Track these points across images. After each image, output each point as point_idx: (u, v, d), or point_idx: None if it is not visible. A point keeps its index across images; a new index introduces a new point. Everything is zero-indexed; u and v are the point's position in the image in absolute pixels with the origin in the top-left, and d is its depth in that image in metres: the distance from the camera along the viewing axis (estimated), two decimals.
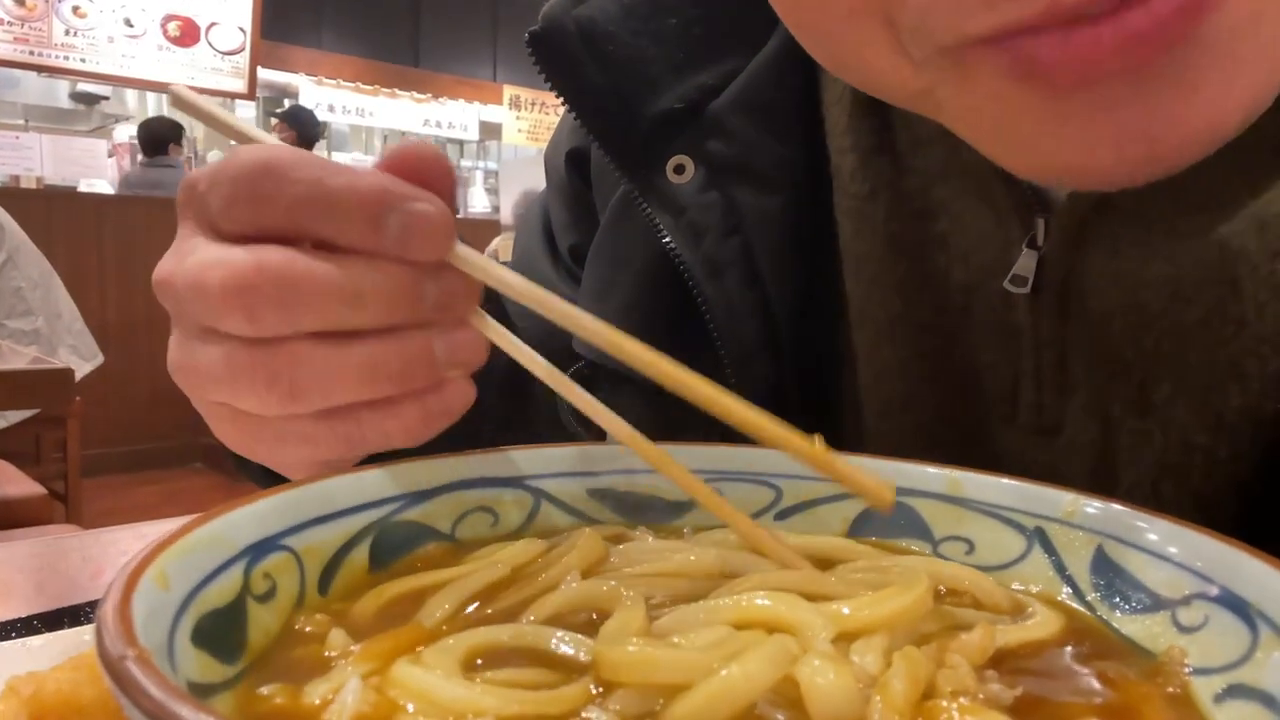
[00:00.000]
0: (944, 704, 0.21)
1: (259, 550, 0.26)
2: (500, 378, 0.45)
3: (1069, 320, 0.40)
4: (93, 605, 0.44)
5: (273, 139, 0.34)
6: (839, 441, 0.49)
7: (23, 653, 0.37)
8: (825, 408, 0.49)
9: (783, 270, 0.47)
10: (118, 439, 3.47)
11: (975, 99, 0.29)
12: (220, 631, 0.23)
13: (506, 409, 0.51)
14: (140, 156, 4.57)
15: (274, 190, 0.29)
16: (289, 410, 0.31)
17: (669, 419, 0.51)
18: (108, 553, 0.62)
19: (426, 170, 0.31)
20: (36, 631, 0.40)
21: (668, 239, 0.46)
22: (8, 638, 0.39)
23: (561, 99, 0.48)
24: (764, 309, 0.46)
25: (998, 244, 0.42)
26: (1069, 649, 0.26)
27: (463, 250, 0.32)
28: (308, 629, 0.25)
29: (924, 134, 0.44)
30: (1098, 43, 0.25)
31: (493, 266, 0.32)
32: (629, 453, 0.37)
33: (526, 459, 0.36)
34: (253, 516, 0.26)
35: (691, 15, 0.49)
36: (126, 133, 5.22)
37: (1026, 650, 0.26)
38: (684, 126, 0.47)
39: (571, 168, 0.59)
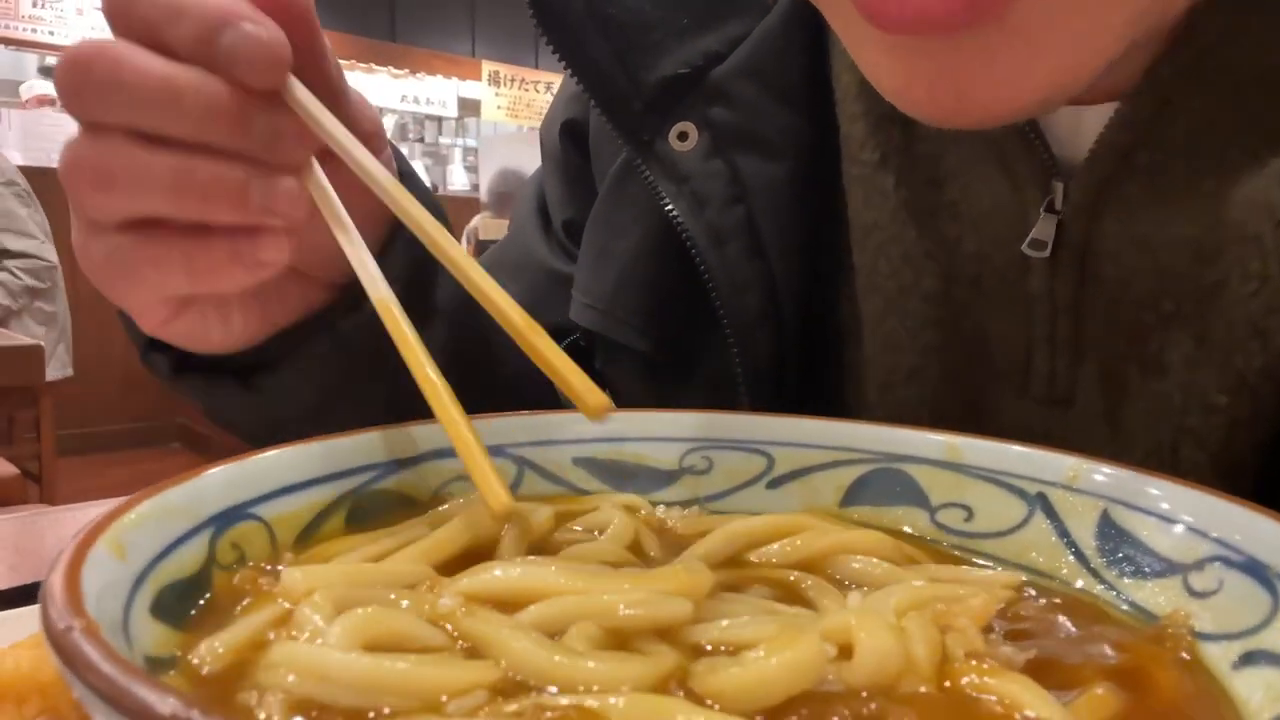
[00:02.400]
0: (959, 666, 0.20)
1: (225, 519, 0.25)
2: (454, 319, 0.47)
3: (1085, 285, 0.40)
4: None
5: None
6: (840, 412, 0.48)
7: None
8: (826, 377, 0.48)
9: (786, 240, 0.46)
10: (93, 419, 3.42)
11: (838, 18, 0.34)
12: (181, 604, 0.21)
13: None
14: None
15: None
16: (105, 203, 0.32)
17: (664, 388, 0.50)
18: (77, 523, 0.60)
19: (288, 9, 0.33)
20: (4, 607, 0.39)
21: (670, 207, 0.45)
22: None
23: (563, 63, 0.47)
24: (767, 278, 0.46)
25: (1013, 210, 0.41)
26: (1065, 619, 0.25)
27: (302, 95, 0.33)
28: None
29: None
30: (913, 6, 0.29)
31: (328, 119, 0.33)
32: (615, 420, 0.36)
33: (509, 426, 0.34)
34: (219, 483, 0.25)
35: None
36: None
37: (1023, 617, 0.25)
38: (687, 93, 0.46)
39: (567, 140, 0.58)
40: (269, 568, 0.25)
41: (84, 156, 0.32)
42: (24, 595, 0.41)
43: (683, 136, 0.46)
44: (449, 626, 0.22)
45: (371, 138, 0.38)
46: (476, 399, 0.55)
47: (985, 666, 0.20)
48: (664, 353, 0.50)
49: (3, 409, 2.75)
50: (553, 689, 0.19)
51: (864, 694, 0.19)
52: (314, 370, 0.42)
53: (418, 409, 0.40)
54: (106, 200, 0.32)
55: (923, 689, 0.20)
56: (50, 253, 2.90)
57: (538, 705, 0.17)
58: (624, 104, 0.46)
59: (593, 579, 0.23)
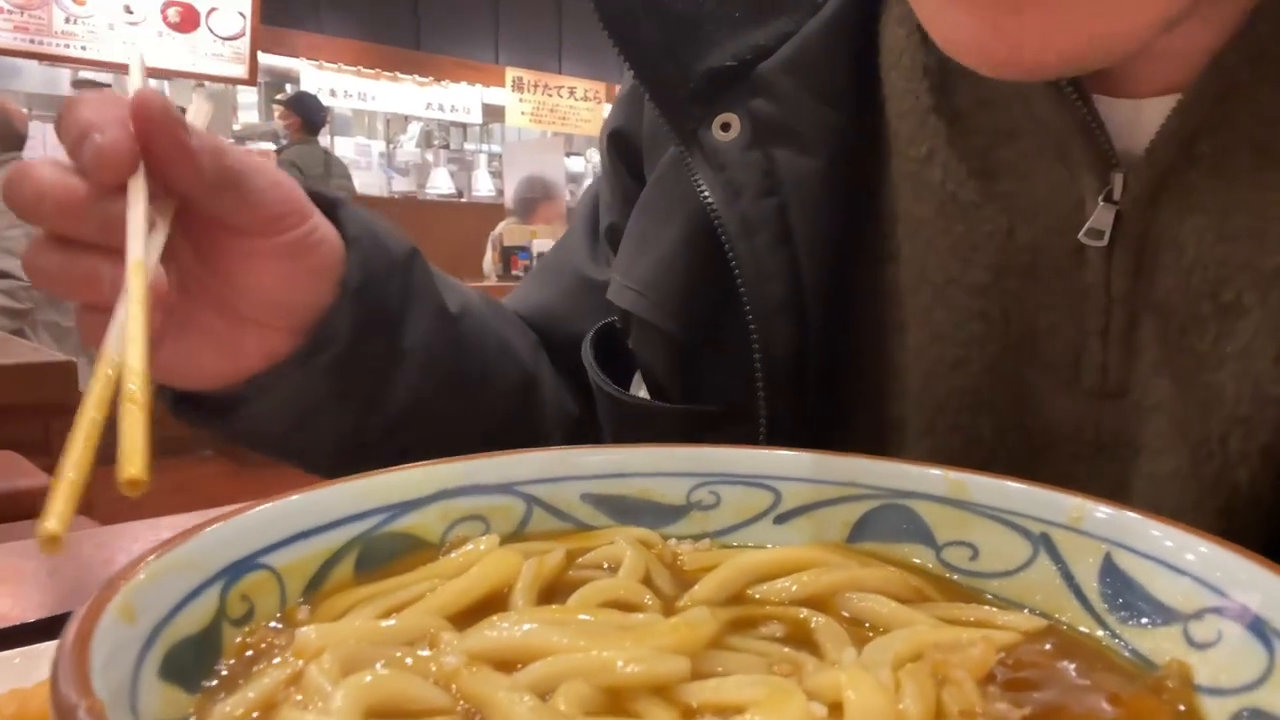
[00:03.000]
0: None
1: (235, 570, 0.25)
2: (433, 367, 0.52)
3: (1142, 276, 0.40)
4: None
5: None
6: (870, 404, 0.47)
7: (10, 667, 0.36)
8: (852, 373, 0.49)
9: (816, 233, 0.47)
10: None
11: None
12: (192, 661, 0.22)
13: (451, 355, 0.54)
14: None
15: (61, 117, 0.39)
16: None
17: (691, 370, 0.51)
18: (121, 542, 0.62)
19: (147, 119, 0.38)
20: (34, 639, 0.40)
21: (707, 194, 0.47)
22: (6, 647, 0.39)
23: (619, 52, 0.49)
24: (793, 269, 0.46)
25: (1070, 201, 0.41)
26: (1067, 663, 0.25)
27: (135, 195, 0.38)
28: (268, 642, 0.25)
29: (989, 94, 0.44)
30: None
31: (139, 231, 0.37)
32: (621, 455, 0.37)
33: (516, 464, 0.35)
34: (227, 536, 0.25)
35: None
36: None
37: (1025, 664, 0.25)
38: (733, 84, 0.47)
39: (613, 148, 0.60)
40: (278, 625, 0.25)
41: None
42: (57, 625, 0.42)
43: (725, 127, 0.47)
44: (453, 686, 0.22)
45: (284, 217, 0.44)
46: (466, 430, 0.58)
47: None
48: (694, 336, 0.51)
49: (38, 421, 2.80)
50: None
51: None
52: (280, 406, 0.48)
53: (387, 429, 0.45)
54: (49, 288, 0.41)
55: None
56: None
57: None
58: (672, 92, 0.48)
59: (593, 636, 0.24)
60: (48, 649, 0.38)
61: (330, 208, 0.49)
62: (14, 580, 0.56)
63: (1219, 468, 0.39)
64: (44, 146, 4.21)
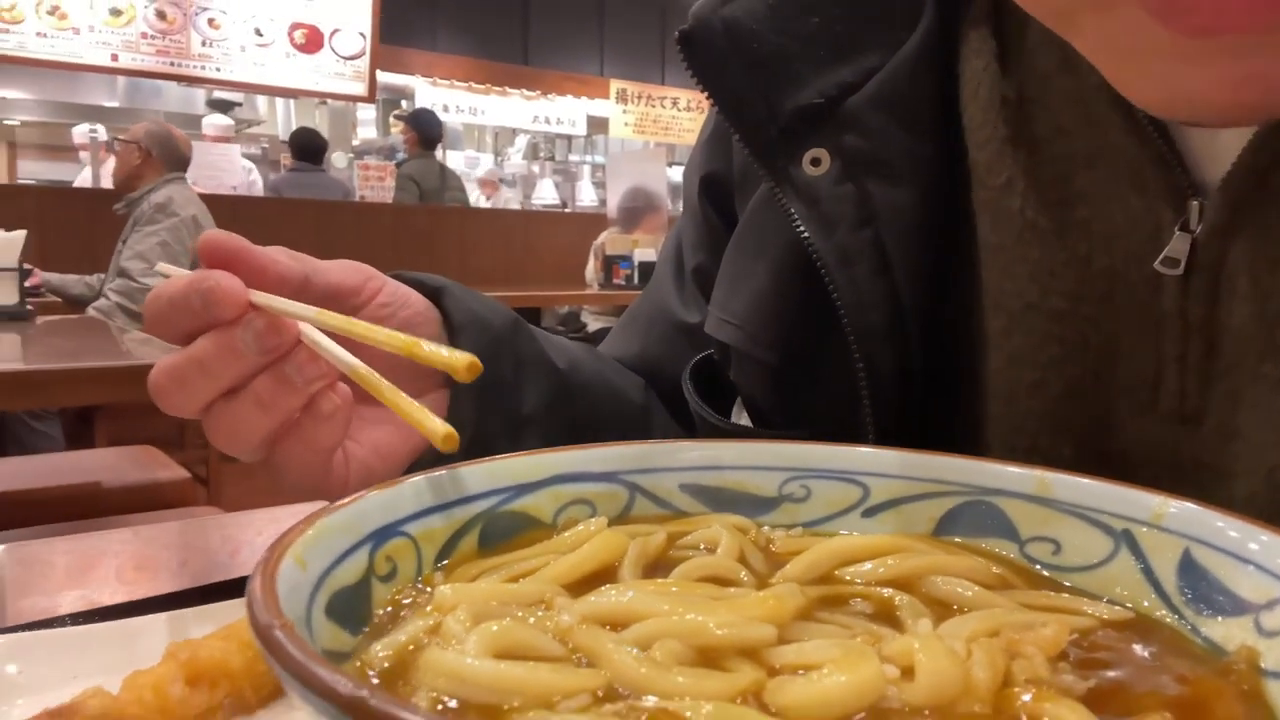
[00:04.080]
0: (1018, 691, 0.22)
1: (381, 535, 0.29)
2: (547, 397, 0.55)
3: (1219, 304, 0.40)
4: (238, 581, 0.49)
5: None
6: (964, 425, 0.50)
7: (179, 622, 0.41)
8: (951, 390, 0.50)
9: (912, 261, 0.48)
10: None
11: (1113, 27, 0.32)
12: (348, 606, 0.26)
13: (568, 408, 0.57)
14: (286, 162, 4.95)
15: (150, 316, 0.43)
16: (238, 451, 0.44)
17: (790, 397, 0.53)
18: (245, 533, 0.68)
19: (222, 252, 0.43)
20: (191, 603, 0.45)
21: (801, 228, 0.48)
22: (167, 609, 0.44)
23: (706, 94, 0.51)
24: (892, 297, 0.48)
25: (1146, 229, 0.42)
26: (1141, 647, 0.26)
27: (262, 299, 0.42)
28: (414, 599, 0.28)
29: (1067, 122, 0.45)
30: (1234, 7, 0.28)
31: (282, 303, 0.42)
32: (717, 449, 0.39)
33: (620, 455, 0.38)
34: (376, 506, 0.29)
35: (834, 14, 0.50)
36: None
37: (1099, 646, 0.26)
38: (822, 121, 0.49)
39: (704, 195, 0.63)
40: (419, 587, 0.29)
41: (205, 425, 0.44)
42: (208, 593, 0.48)
43: (815, 162, 0.49)
44: (568, 642, 0.25)
45: (359, 289, 0.48)
46: None
47: (1043, 691, 0.22)
48: (792, 365, 0.53)
49: (174, 419, 3.01)
50: (647, 698, 0.22)
51: (926, 713, 0.22)
52: None
53: None
54: (229, 445, 0.44)
55: (977, 708, 0.22)
56: (154, 278, 3.17)
57: (633, 708, 0.21)
58: (761, 131, 0.50)
59: (690, 604, 0.27)
60: (204, 611, 0.43)
61: (435, 294, 0.53)
62: (151, 567, 0.62)
63: None
64: (191, 166, 4.53)
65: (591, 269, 5.18)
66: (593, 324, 5.01)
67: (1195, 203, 0.40)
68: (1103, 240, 0.44)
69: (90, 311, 3.14)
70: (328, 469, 0.46)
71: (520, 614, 0.27)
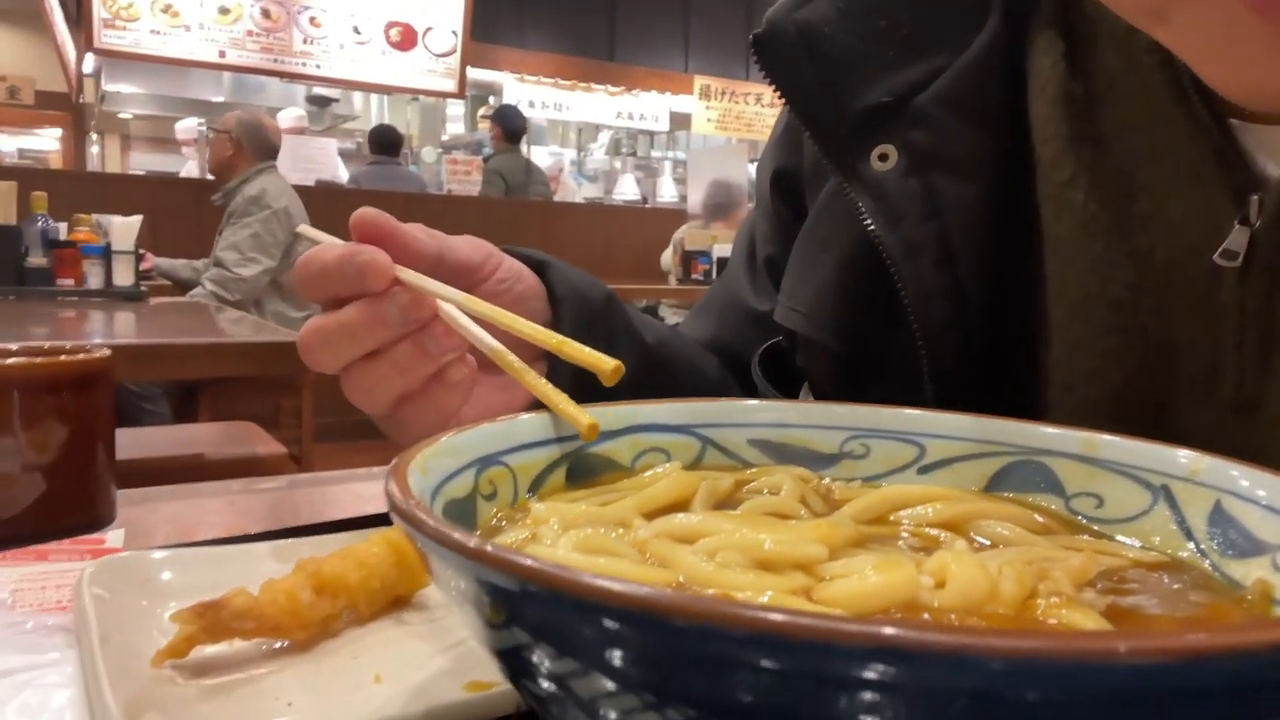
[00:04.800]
0: (1040, 601, 0.25)
1: (485, 462, 0.33)
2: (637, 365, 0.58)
3: (1277, 295, 0.42)
4: (341, 522, 0.54)
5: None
6: (1023, 411, 0.53)
7: (300, 546, 0.47)
8: (1011, 377, 0.52)
9: (976, 253, 0.50)
10: (345, 410, 3.83)
11: (1206, 19, 0.33)
12: (458, 515, 0.30)
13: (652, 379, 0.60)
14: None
15: (301, 277, 0.47)
16: (370, 407, 0.48)
17: (856, 383, 0.56)
18: (323, 492, 0.74)
19: (371, 229, 0.46)
20: (317, 534, 0.50)
21: (869, 221, 0.50)
22: (300, 536, 0.49)
23: (779, 94, 0.54)
24: (955, 288, 0.50)
25: (1206, 223, 0.43)
26: (1166, 581, 0.29)
27: (406, 275, 0.45)
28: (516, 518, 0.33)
29: (1132, 119, 0.46)
30: None
31: (425, 281, 0.45)
32: (784, 409, 0.43)
33: (695, 410, 0.41)
34: (481, 437, 0.34)
35: (902, 17, 0.53)
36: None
37: (1127, 580, 0.29)
38: (890, 119, 0.51)
39: (775, 189, 0.66)
40: (515, 509, 0.33)
41: (344, 383, 0.48)
42: (325, 529, 0.53)
43: (883, 157, 0.51)
44: (645, 551, 0.29)
45: (481, 265, 0.52)
46: None
47: (1061, 600, 0.25)
48: (856, 352, 0.56)
49: (270, 397, 3.17)
50: (712, 591, 0.26)
51: (952, 615, 0.25)
52: None
53: None
54: (368, 402, 0.48)
55: (1001, 610, 0.25)
56: (247, 268, 3.27)
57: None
58: (831, 129, 0.52)
59: (752, 525, 0.30)
60: (324, 540, 0.48)
61: (540, 268, 0.56)
62: (246, 513, 0.68)
63: None
64: (290, 160, 4.72)
65: (668, 255, 5.22)
66: (670, 319, 5.05)
67: (1255, 197, 0.41)
68: (1163, 233, 0.45)
69: (192, 296, 3.32)
70: (446, 428, 0.51)
71: (603, 532, 0.31)
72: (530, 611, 0.20)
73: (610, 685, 0.19)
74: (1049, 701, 0.16)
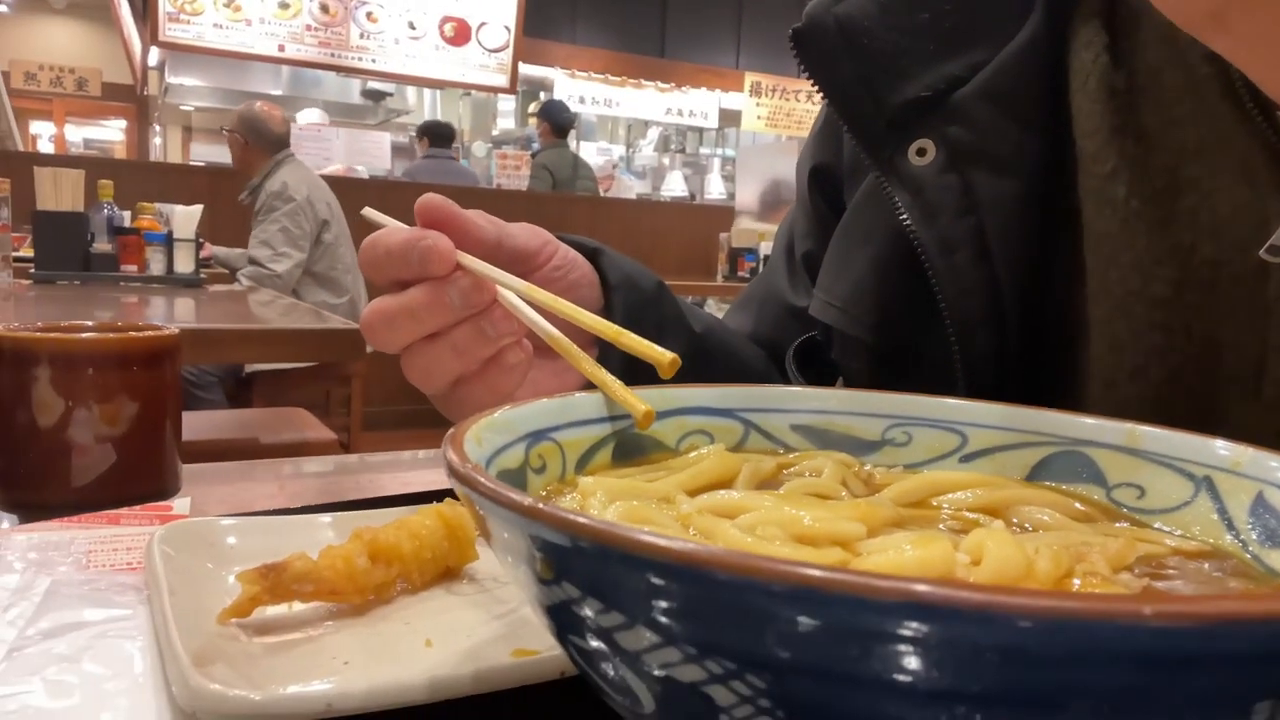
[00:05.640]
0: (1075, 580, 0.26)
1: (535, 437, 0.35)
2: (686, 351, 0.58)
3: None
4: (393, 498, 0.56)
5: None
6: (1061, 407, 0.53)
7: (354, 518, 0.48)
8: (1048, 374, 0.52)
9: (1012, 250, 0.50)
10: (393, 399, 3.91)
11: (1266, 24, 0.33)
12: (510, 484, 0.32)
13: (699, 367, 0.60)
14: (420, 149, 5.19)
15: (366, 259, 0.48)
16: (428, 387, 0.49)
17: (890, 377, 0.56)
18: (371, 473, 0.77)
19: (435, 215, 0.47)
20: (371, 509, 0.52)
21: (905, 216, 0.51)
22: (354, 510, 0.51)
23: (817, 89, 0.54)
24: (991, 285, 0.50)
25: (1253, 219, 0.43)
26: (1206, 565, 0.29)
27: (467, 261, 0.46)
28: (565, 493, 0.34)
29: (1180, 114, 0.46)
30: None
31: (486, 267, 0.46)
32: (827, 396, 0.43)
33: (739, 395, 0.42)
34: (533, 413, 0.35)
35: (943, 10, 0.53)
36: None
37: (1166, 566, 0.29)
38: (929, 113, 0.51)
39: (814, 185, 0.67)
40: (564, 483, 0.35)
41: (404, 362, 0.49)
42: (377, 504, 0.55)
43: (921, 152, 0.51)
44: (687, 525, 0.30)
45: (538, 252, 0.53)
46: None
47: (1096, 580, 0.26)
48: (891, 347, 0.56)
49: (321, 385, 3.24)
50: None
51: None
52: None
53: None
54: (425, 381, 0.49)
55: (1035, 587, 0.25)
56: (280, 263, 3.31)
57: None
58: (870, 123, 0.52)
59: (793, 503, 0.31)
60: (378, 513, 0.50)
61: (593, 255, 0.57)
62: (299, 491, 0.70)
63: None
64: (336, 149, 4.80)
65: (728, 236, 5.22)
66: (718, 315, 5.05)
67: None
68: (1208, 229, 0.45)
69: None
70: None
71: (649, 505, 0.32)
72: (579, 566, 0.21)
73: (653, 638, 0.20)
74: (1074, 660, 0.17)
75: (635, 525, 0.28)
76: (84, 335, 0.59)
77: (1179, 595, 0.25)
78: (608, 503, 0.31)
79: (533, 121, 6.70)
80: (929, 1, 0.53)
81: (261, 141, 3.46)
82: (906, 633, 0.17)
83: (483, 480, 0.23)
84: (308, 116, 6.15)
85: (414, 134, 5.61)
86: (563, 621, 0.23)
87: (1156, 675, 0.17)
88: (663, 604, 0.20)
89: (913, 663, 0.18)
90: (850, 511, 0.30)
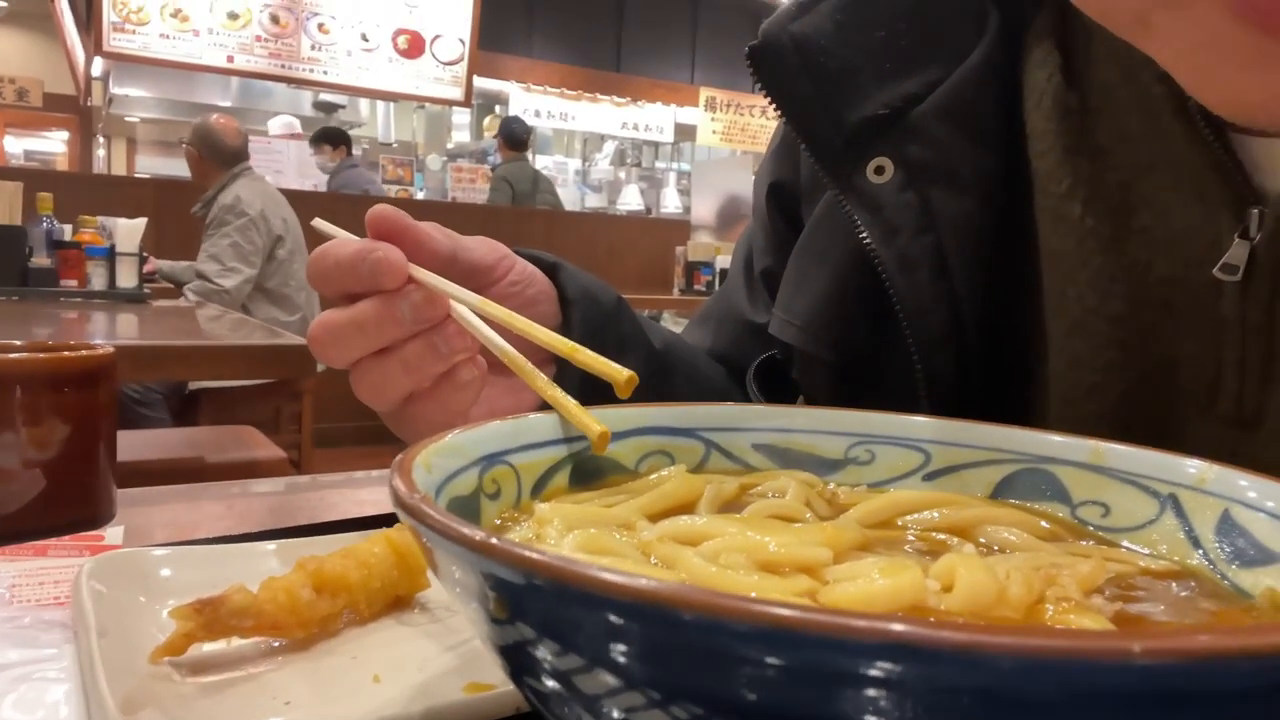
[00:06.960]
0: (1048, 605, 0.25)
1: (489, 461, 0.33)
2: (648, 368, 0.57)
3: (1278, 309, 0.41)
4: (339, 523, 0.54)
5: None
6: (1022, 425, 0.53)
7: (299, 546, 0.46)
8: (1009, 391, 0.52)
9: (972, 267, 0.50)
10: (346, 415, 3.85)
11: (1189, 26, 0.32)
12: (463, 513, 0.30)
13: (658, 384, 0.59)
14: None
15: (315, 271, 0.46)
16: (378, 404, 0.47)
17: (851, 395, 0.56)
18: (321, 493, 0.74)
19: (387, 226, 0.46)
20: (318, 534, 0.50)
21: (864, 235, 0.50)
22: (300, 536, 0.49)
23: (774, 106, 0.53)
24: (951, 302, 0.49)
25: (1207, 236, 0.43)
26: (1174, 589, 0.28)
27: (420, 274, 0.45)
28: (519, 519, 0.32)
29: (1130, 131, 0.46)
30: None
31: (439, 281, 0.45)
32: (789, 414, 0.42)
33: (700, 413, 0.41)
34: (486, 436, 0.34)
35: (899, 29, 0.52)
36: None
37: (1135, 586, 0.29)
38: (886, 131, 0.51)
39: (772, 201, 0.66)
40: (519, 511, 0.33)
41: (353, 379, 0.47)
42: (328, 529, 0.53)
43: (879, 170, 0.51)
44: (648, 553, 0.29)
45: (494, 266, 0.52)
46: None
47: (1069, 605, 0.25)
48: (852, 365, 0.55)
49: (271, 402, 3.17)
50: None
51: (959, 620, 0.25)
52: None
53: None
54: (374, 399, 0.47)
55: (1008, 614, 0.25)
56: (228, 278, 3.24)
57: None
58: (827, 141, 0.52)
59: (756, 528, 0.30)
60: (325, 540, 0.48)
61: (551, 270, 0.56)
62: (245, 515, 0.68)
63: None
64: (287, 162, 4.73)
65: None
66: (673, 329, 5.06)
67: (1255, 211, 0.41)
68: (1163, 247, 0.45)
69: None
70: (453, 427, 0.50)
71: (607, 532, 0.30)
72: (535, 605, 0.20)
73: (615, 682, 0.19)
74: (1059, 702, 0.16)
75: (595, 556, 0.27)
76: (11, 356, 0.56)
77: (1165, 629, 0.24)
78: (565, 531, 0.29)
79: (489, 135, 6.68)
80: (885, 20, 0.53)
81: (216, 155, 3.39)
82: (885, 674, 0.16)
83: (431, 512, 0.22)
84: (280, 126, 6.04)
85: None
86: (518, 663, 0.22)
87: (1145, 714, 0.16)
88: (624, 646, 0.18)
89: (891, 705, 0.17)
90: (816, 536, 0.29)
